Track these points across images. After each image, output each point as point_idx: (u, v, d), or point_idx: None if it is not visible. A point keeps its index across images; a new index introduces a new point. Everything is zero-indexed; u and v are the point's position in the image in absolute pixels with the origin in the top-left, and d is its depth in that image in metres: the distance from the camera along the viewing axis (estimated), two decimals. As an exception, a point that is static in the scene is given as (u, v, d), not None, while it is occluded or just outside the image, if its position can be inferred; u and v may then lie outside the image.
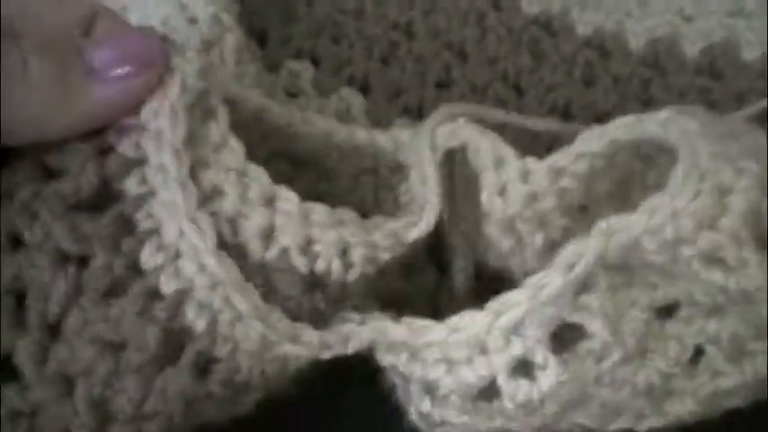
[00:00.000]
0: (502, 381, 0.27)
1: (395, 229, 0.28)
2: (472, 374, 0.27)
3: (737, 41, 0.38)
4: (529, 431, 0.28)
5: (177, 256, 0.26)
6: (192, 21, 0.33)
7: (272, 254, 0.26)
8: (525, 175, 0.28)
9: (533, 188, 0.28)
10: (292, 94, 0.38)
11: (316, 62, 0.38)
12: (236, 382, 0.26)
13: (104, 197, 0.26)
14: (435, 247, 0.30)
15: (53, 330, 0.26)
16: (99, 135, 0.26)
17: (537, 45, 0.39)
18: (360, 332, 0.27)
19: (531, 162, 0.28)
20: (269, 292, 0.26)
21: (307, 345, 0.26)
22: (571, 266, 0.25)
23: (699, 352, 0.27)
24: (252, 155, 0.28)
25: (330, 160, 0.31)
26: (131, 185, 0.26)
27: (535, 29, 0.39)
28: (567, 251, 0.26)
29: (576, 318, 0.26)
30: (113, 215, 0.26)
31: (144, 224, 0.26)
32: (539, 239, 0.29)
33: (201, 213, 0.26)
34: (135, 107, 0.26)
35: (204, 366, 0.26)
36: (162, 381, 0.25)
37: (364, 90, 0.38)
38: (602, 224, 0.25)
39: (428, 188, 0.28)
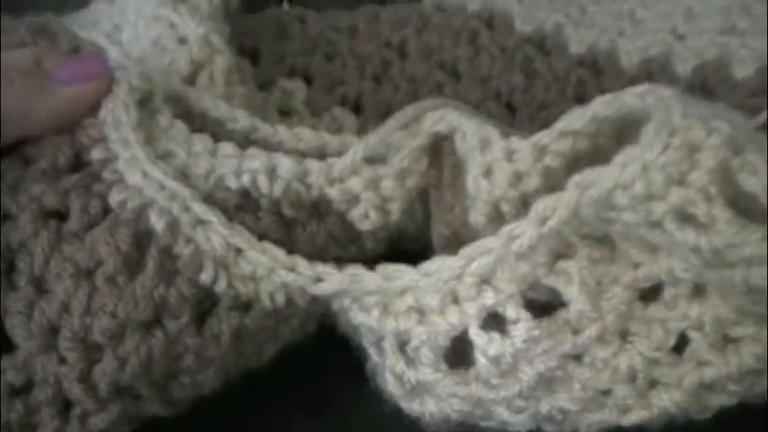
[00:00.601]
0: (473, 332, 0.27)
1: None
2: (443, 323, 0.27)
3: (729, 60, 0.38)
4: (506, 409, 0.28)
5: (141, 194, 0.29)
6: (183, 41, 0.34)
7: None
8: (510, 155, 0.28)
9: (518, 167, 0.28)
10: (285, 113, 0.38)
11: (308, 80, 0.39)
12: (202, 283, 0.28)
13: (76, 166, 0.30)
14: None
15: (39, 285, 0.28)
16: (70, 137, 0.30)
17: (530, 64, 0.39)
18: (334, 274, 0.28)
19: (516, 141, 0.28)
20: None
21: (271, 259, 0.28)
22: (545, 219, 0.26)
23: (683, 342, 0.27)
24: None
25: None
26: (97, 153, 0.30)
27: (528, 47, 0.39)
28: (540, 204, 0.26)
29: (551, 280, 0.27)
30: (85, 173, 0.29)
31: (111, 177, 0.29)
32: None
33: (160, 162, 0.29)
34: (93, 107, 0.30)
35: (171, 271, 0.28)
36: (132, 287, 0.27)
37: (357, 109, 0.38)
38: (575, 178, 0.26)
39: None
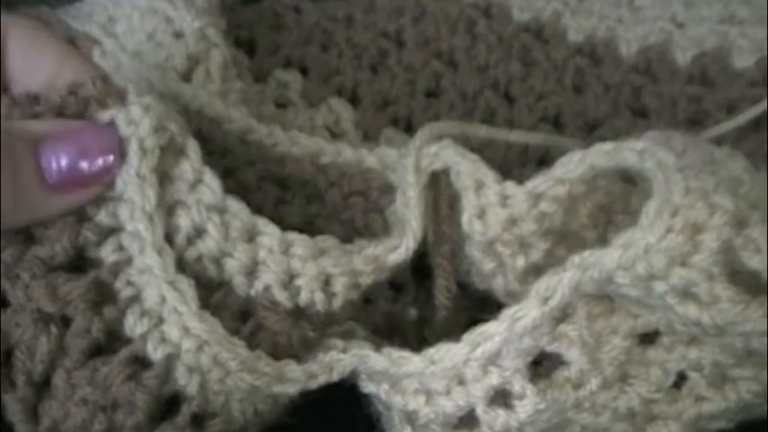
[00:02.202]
0: (480, 410, 0.27)
1: (376, 254, 0.28)
2: (450, 404, 0.27)
3: (729, 49, 0.38)
4: None
5: (161, 321, 0.26)
6: (178, 35, 0.33)
7: (256, 290, 0.27)
8: (504, 200, 0.28)
9: (512, 212, 0.28)
10: (281, 105, 0.37)
11: (304, 71, 0.38)
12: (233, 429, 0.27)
13: (82, 262, 0.27)
14: (420, 267, 0.30)
15: (41, 388, 0.26)
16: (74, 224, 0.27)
17: (528, 52, 0.39)
18: (342, 360, 0.27)
19: (511, 187, 0.28)
20: (258, 329, 0.27)
21: (294, 381, 0.27)
22: (546, 299, 0.26)
23: (681, 377, 0.27)
24: (238, 179, 0.28)
25: (318, 183, 0.31)
26: (108, 253, 0.27)
27: (526, 36, 0.39)
28: (542, 284, 0.26)
29: (554, 347, 0.26)
30: (90, 279, 0.26)
31: (124, 292, 0.26)
32: (520, 262, 0.29)
33: (180, 276, 0.26)
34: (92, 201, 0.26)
35: (200, 422, 0.26)
36: None
37: (353, 100, 0.38)
38: (575, 258, 0.26)
39: (410, 212, 0.28)
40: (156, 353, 0.26)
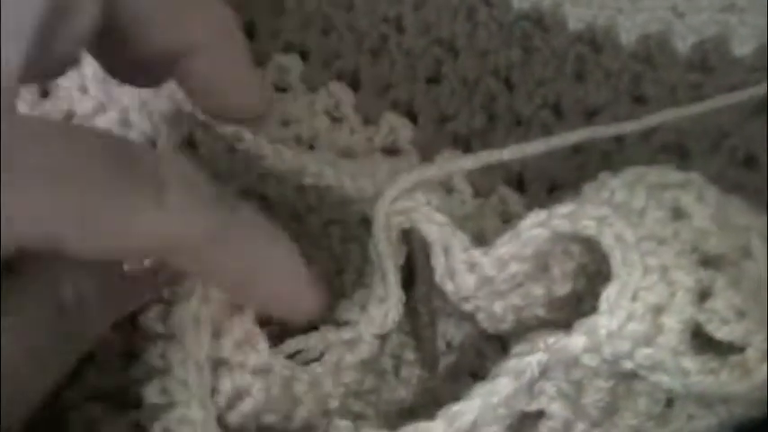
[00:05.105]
0: None
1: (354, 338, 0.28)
2: None
3: (729, 37, 0.38)
4: None
5: None
6: None
7: None
8: (472, 267, 0.28)
9: (482, 275, 0.28)
10: (281, 89, 0.37)
11: (304, 56, 0.38)
12: None
13: (127, 398, 0.26)
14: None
15: None
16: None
17: (528, 40, 0.39)
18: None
19: (477, 255, 0.28)
20: None
21: None
22: (519, 373, 0.26)
23: (671, 399, 0.27)
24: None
25: (299, 207, 0.31)
26: (152, 393, 0.26)
27: (526, 24, 0.39)
28: (512, 362, 0.26)
29: (533, 406, 0.27)
30: (130, 421, 0.26)
31: None
32: (498, 307, 0.29)
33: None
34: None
35: None
36: None
37: (354, 85, 0.37)
38: (540, 344, 0.26)
39: (388, 288, 0.28)
40: None
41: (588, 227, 0.26)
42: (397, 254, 0.29)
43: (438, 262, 0.29)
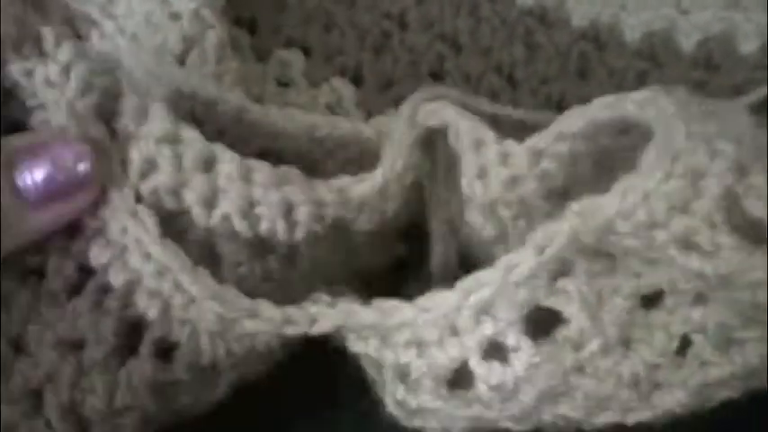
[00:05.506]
0: (474, 363, 0.26)
1: (341, 186, 0.28)
2: (443, 356, 0.26)
3: (734, 34, 0.37)
4: (509, 421, 0.27)
5: (124, 251, 0.26)
6: (175, 16, 0.33)
7: (215, 220, 0.26)
8: (505, 158, 0.27)
9: (513, 171, 0.27)
10: (283, 84, 0.37)
11: (307, 51, 0.38)
12: (202, 364, 0.26)
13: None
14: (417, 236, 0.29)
15: (17, 346, 0.26)
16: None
17: (531, 36, 0.38)
18: (328, 313, 0.27)
19: (511, 144, 0.28)
20: (219, 261, 0.27)
21: (267, 320, 0.26)
22: (543, 248, 0.25)
23: (685, 343, 0.26)
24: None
25: (314, 155, 0.31)
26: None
27: (530, 20, 0.39)
28: (539, 232, 0.25)
29: (551, 301, 0.26)
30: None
31: (90, 225, 0.27)
32: (521, 225, 0.28)
33: (141, 207, 0.26)
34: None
35: (166, 353, 0.26)
36: (126, 373, 0.26)
37: (356, 81, 0.37)
38: (574, 206, 0.25)
39: (390, 146, 0.28)
40: (117, 279, 0.26)
41: (630, 108, 0.26)
42: (412, 150, 0.28)
43: (468, 160, 0.28)
